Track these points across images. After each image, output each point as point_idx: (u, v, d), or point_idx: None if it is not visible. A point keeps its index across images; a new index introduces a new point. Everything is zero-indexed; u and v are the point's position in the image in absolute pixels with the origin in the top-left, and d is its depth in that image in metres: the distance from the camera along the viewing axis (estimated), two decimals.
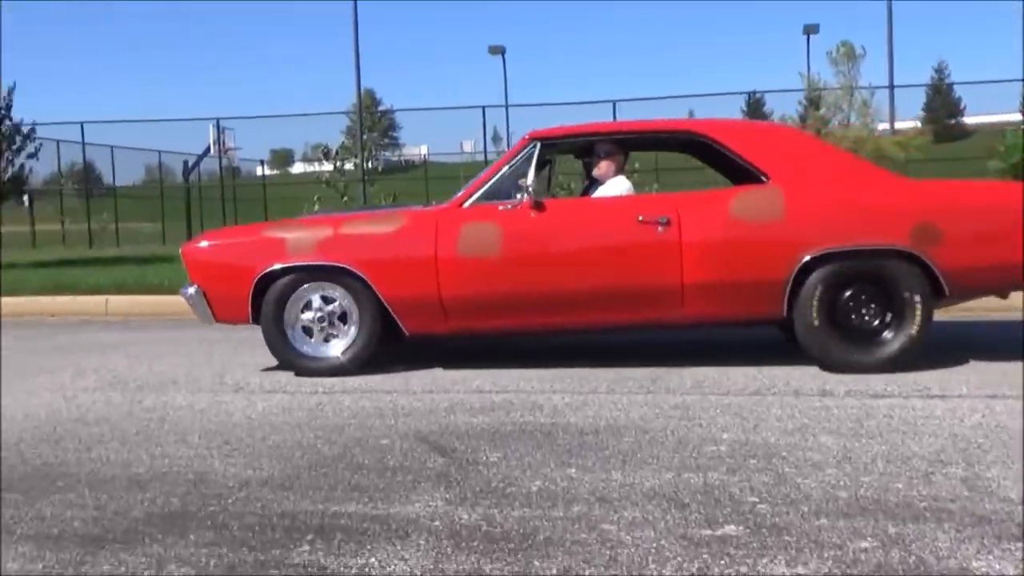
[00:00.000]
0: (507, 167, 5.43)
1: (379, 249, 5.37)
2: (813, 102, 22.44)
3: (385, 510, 2.98)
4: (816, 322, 5.04)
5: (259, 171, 42.93)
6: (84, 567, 2.60)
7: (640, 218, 5.18)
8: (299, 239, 5.45)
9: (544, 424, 4.07)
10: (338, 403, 4.64)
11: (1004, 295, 5.54)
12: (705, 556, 2.52)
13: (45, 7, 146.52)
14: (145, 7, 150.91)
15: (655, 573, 2.43)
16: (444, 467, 3.45)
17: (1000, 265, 5.04)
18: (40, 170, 25.53)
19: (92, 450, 3.86)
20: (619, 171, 5.80)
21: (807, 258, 5.01)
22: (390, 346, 5.63)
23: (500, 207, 5.32)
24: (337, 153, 28.51)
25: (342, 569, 2.52)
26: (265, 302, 5.42)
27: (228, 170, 35.53)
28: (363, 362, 5.41)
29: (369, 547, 2.67)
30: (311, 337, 5.46)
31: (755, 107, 45.49)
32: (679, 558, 2.51)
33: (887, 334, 5.06)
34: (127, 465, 3.61)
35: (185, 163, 32.42)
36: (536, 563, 2.51)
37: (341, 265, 5.34)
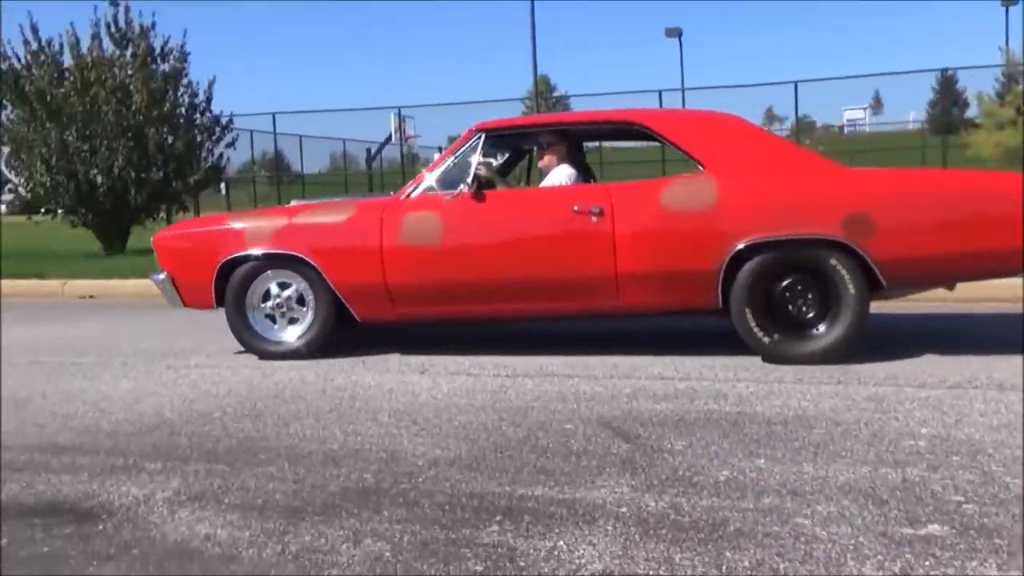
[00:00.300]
0: (452, 158, 5.54)
1: (329, 238, 5.58)
2: (1012, 78, 21.09)
3: (571, 494, 2.99)
4: (750, 313, 4.94)
5: (436, 157, 43.98)
6: (287, 537, 2.72)
7: (575, 208, 5.17)
8: (256, 228, 5.71)
9: (729, 413, 3.99)
10: (521, 386, 4.69)
11: (951, 287, 5.30)
12: (908, 556, 2.41)
13: (239, 6, 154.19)
14: (335, 6, 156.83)
15: (855, 571, 2.34)
16: (629, 453, 3.43)
17: (942, 256, 4.80)
18: (235, 159, 26.89)
19: (290, 426, 4.05)
20: (562, 161, 5.81)
21: (739, 247, 4.90)
22: (346, 332, 5.80)
23: (443, 197, 5.42)
24: None
25: (531, 551, 2.54)
26: (227, 288, 5.71)
27: (408, 157, 36.51)
28: (318, 347, 5.64)
29: (557, 530, 2.68)
30: (275, 323, 5.74)
31: (947, 85, 42.94)
32: (879, 556, 2.41)
33: (822, 327, 4.92)
34: (322, 441, 3.77)
35: (368, 150, 33.55)
36: (727, 554, 2.46)
37: (294, 253, 5.57)
